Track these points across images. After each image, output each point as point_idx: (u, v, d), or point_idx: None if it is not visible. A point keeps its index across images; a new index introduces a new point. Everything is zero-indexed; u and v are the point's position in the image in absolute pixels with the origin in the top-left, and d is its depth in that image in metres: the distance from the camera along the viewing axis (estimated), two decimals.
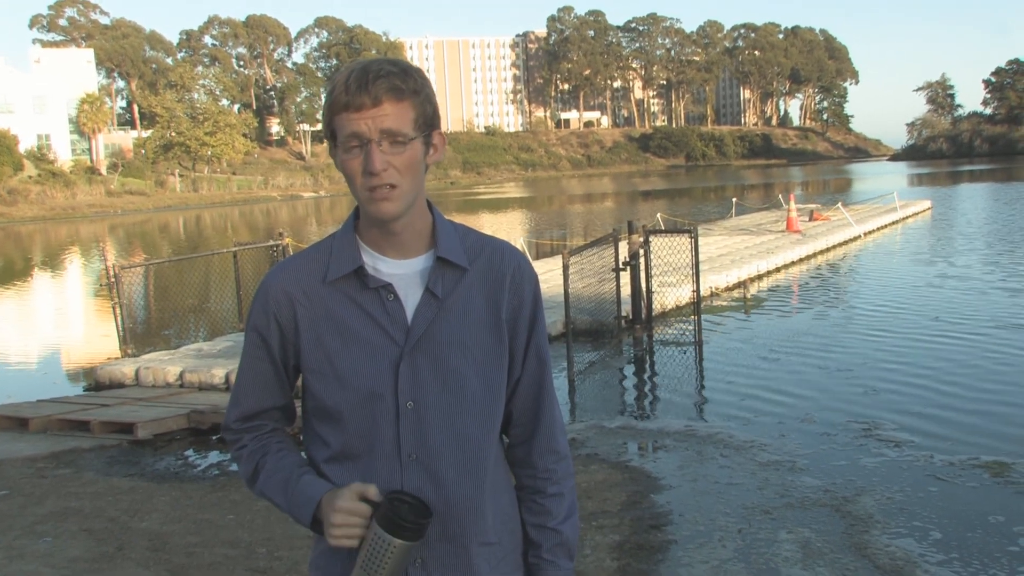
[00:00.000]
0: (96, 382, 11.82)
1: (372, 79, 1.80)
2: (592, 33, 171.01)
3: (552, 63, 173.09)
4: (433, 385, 1.90)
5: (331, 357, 1.91)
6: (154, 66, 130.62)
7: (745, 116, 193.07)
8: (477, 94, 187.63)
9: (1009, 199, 42.34)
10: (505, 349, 1.98)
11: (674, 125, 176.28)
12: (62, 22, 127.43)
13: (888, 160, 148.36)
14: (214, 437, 8.91)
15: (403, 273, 1.93)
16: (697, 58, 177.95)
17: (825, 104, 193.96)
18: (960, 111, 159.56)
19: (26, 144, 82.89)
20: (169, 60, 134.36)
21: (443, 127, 1.97)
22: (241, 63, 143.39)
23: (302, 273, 1.95)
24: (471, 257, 1.96)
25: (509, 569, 2.02)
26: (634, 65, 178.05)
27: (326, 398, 1.92)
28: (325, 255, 1.96)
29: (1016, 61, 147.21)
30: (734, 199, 37.16)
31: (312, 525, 1.90)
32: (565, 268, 10.90)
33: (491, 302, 1.96)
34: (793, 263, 20.62)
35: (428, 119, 1.88)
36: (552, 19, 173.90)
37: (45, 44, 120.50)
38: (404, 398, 1.89)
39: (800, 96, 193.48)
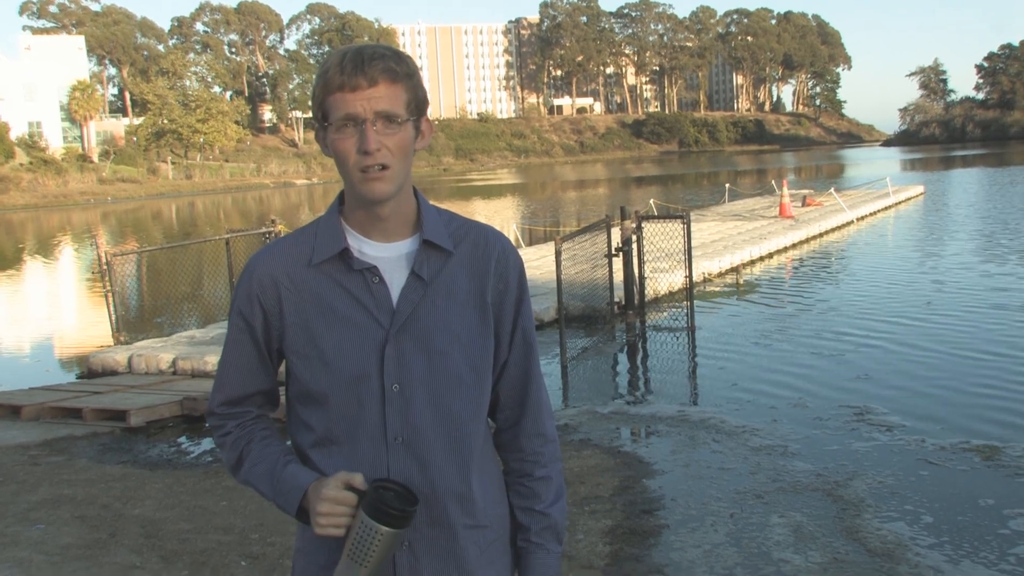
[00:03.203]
0: (89, 370, 11.81)
1: (368, 60, 1.82)
2: (584, 19, 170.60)
3: (545, 49, 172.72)
4: (419, 368, 1.90)
5: (316, 339, 1.91)
6: (145, 53, 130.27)
7: (738, 102, 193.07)
8: (470, 80, 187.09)
9: (1001, 184, 42.41)
10: (491, 332, 1.97)
11: (667, 111, 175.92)
12: (52, 9, 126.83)
13: (881, 145, 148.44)
14: (207, 424, 8.90)
15: (388, 256, 1.93)
16: (690, 44, 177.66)
17: (818, 90, 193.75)
18: (953, 96, 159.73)
19: (17, 132, 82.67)
20: (160, 47, 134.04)
21: (436, 113, 1.98)
22: (233, 50, 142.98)
23: (287, 256, 1.95)
24: (456, 241, 1.96)
25: (497, 553, 2.01)
26: (627, 51, 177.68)
27: (311, 381, 1.91)
28: (310, 238, 1.95)
29: (1008, 46, 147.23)
30: (727, 185, 37.16)
31: (298, 514, 1.90)
32: (557, 254, 10.90)
33: (476, 285, 1.96)
34: (786, 248, 20.64)
35: (419, 104, 1.90)
36: (544, 5, 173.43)
37: (35, 31, 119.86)
38: (390, 380, 1.89)
39: (793, 82, 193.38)
